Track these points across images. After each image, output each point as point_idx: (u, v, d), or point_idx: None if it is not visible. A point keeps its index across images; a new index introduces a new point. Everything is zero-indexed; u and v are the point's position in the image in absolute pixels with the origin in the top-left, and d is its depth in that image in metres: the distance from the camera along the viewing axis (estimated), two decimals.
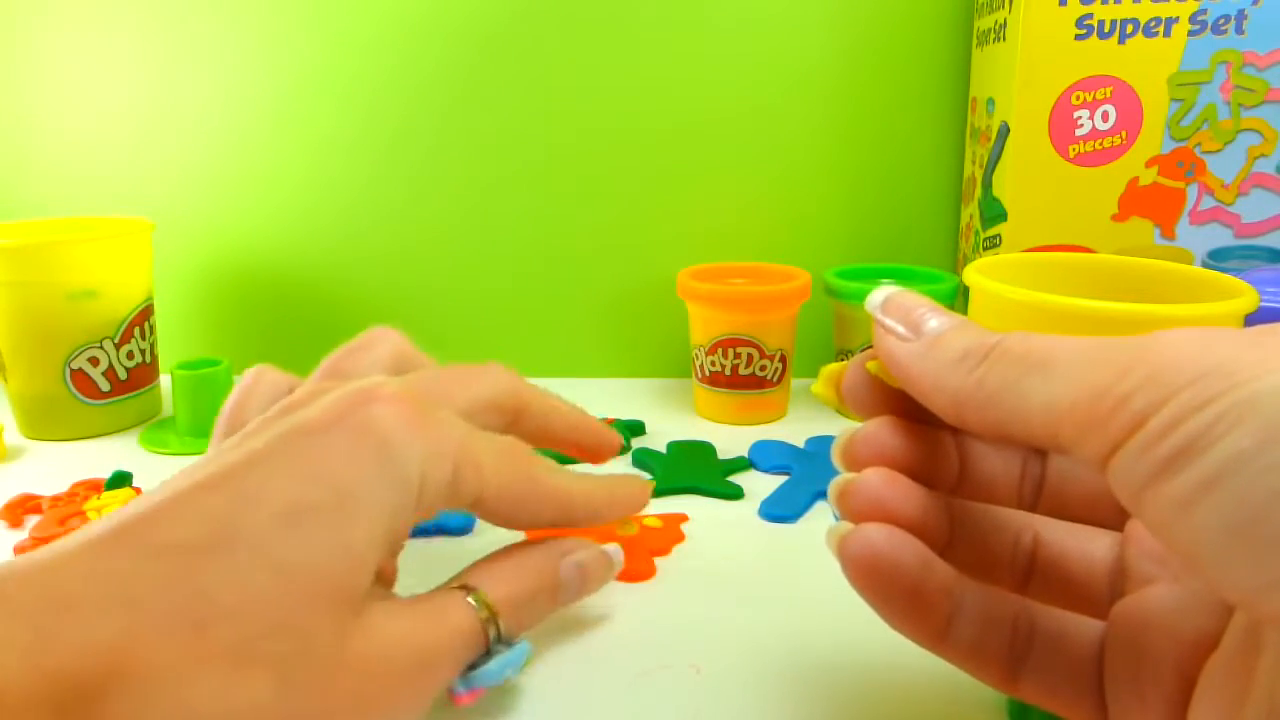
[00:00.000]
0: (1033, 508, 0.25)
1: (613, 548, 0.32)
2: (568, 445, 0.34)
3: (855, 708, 0.29)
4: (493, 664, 0.26)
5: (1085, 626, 0.23)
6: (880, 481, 0.23)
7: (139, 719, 0.18)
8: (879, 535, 0.22)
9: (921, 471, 0.24)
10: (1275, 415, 0.14)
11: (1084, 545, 0.24)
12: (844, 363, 0.26)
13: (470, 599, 0.26)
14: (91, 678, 0.17)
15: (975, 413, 0.20)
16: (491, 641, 0.26)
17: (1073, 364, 0.18)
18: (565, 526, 0.30)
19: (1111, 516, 0.24)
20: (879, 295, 0.25)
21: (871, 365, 0.25)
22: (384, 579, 0.28)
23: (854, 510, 0.23)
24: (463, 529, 0.41)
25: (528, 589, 0.28)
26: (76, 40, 0.60)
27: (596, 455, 0.35)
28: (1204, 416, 0.15)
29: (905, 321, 0.23)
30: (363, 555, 0.22)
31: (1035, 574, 0.24)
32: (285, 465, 0.22)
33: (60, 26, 0.60)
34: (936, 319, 0.23)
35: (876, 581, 0.22)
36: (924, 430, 0.24)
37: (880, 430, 0.24)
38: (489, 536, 0.41)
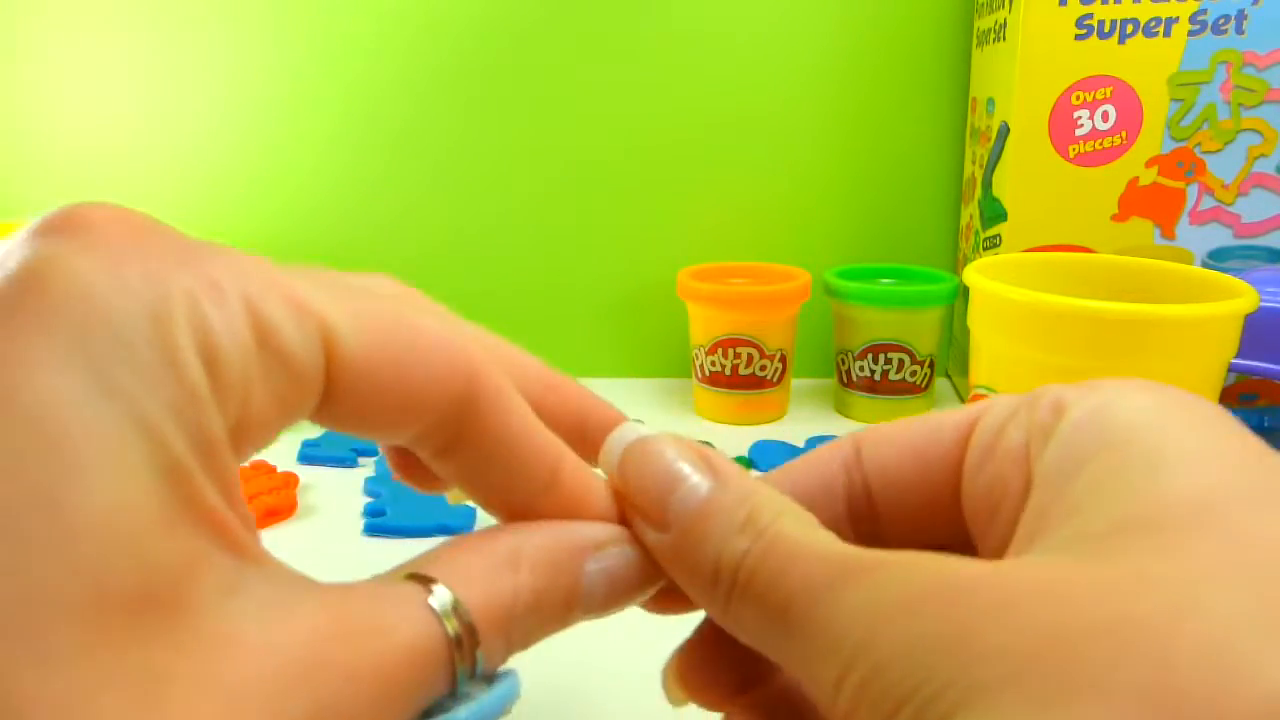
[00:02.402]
0: None
1: None
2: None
3: None
4: (462, 713, 0.16)
5: None
6: None
7: None
8: None
9: None
10: None
11: None
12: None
13: (433, 600, 0.15)
14: None
15: (750, 645, 0.17)
16: (460, 675, 0.16)
17: (802, 630, 0.15)
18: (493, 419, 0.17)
19: None
20: (614, 448, 0.19)
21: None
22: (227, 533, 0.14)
23: None
24: (464, 528, 0.41)
25: (528, 594, 0.17)
26: (76, 41, 0.60)
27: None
28: None
29: (650, 499, 0.18)
30: (108, 531, 0.12)
31: None
32: None
33: (60, 27, 0.60)
34: (684, 491, 0.17)
35: None
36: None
37: None
38: None
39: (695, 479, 0.17)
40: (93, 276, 0.13)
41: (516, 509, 0.18)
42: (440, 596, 0.15)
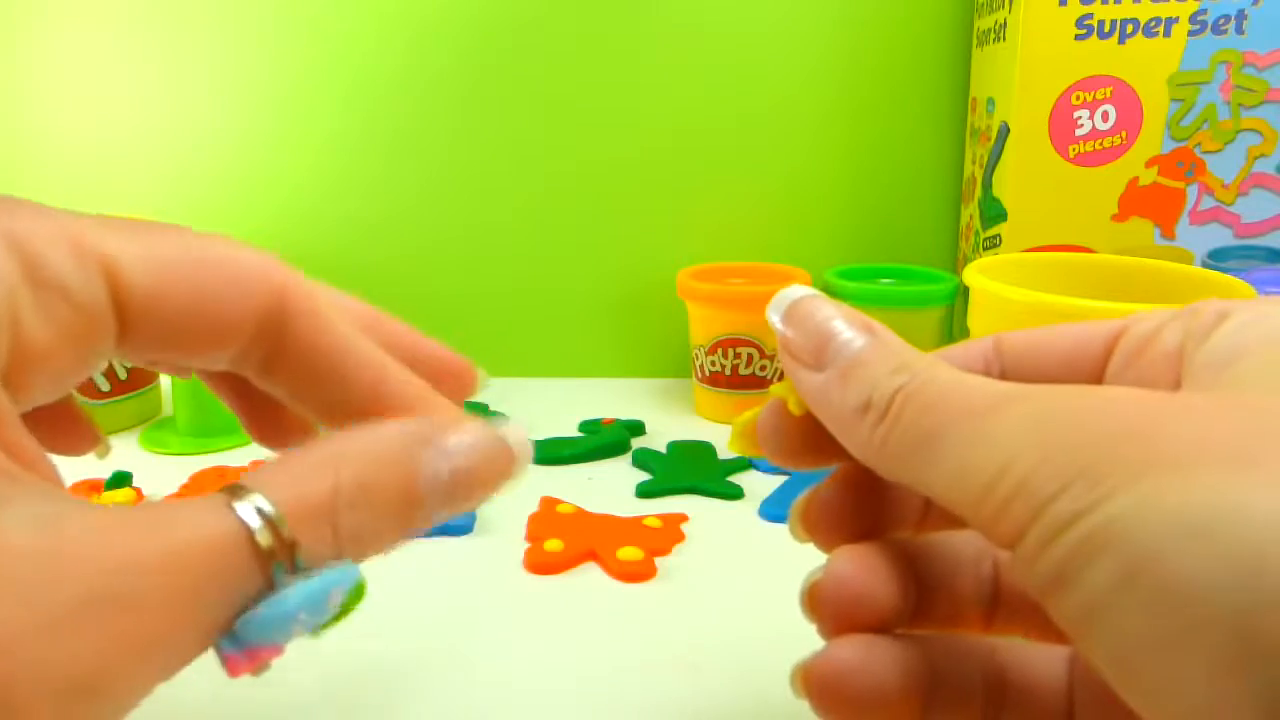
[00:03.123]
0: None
1: (514, 429, 0.20)
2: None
3: None
4: (277, 600, 0.15)
5: (1054, 666, 0.22)
6: (852, 651, 0.21)
7: None
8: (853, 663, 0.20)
9: (885, 595, 0.21)
10: (1131, 547, 0.13)
11: None
12: (755, 410, 0.23)
13: (236, 503, 0.15)
14: None
15: (885, 472, 0.19)
16: (276, 572, 0.15)
17: (959, 444, 0.16)
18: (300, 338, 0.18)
19: None
20: (781, 302, 0.21)
21: (777, 388, 0.22)
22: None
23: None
24: (463, 529, 0.41)
25: (350, 488, 0.16)
26: (77, 40, 0.60)
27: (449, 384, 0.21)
28: (1069, 540, 0.14)
29: (809, 345, 0.20)
30: None
31: (1000, 604, 0.23)
32: None
33: (61, 26, 0.60)
34: (841, 340, 0.19)
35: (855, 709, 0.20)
36: (884, 552, 0.21)
37: (844, 577, 0.21)
38: (493, 536, 0.41)
39: (853, 331, 0.19)
40: None
41: (350, 418, 0.18)
42: (245, 499, 0.15)
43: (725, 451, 0.49)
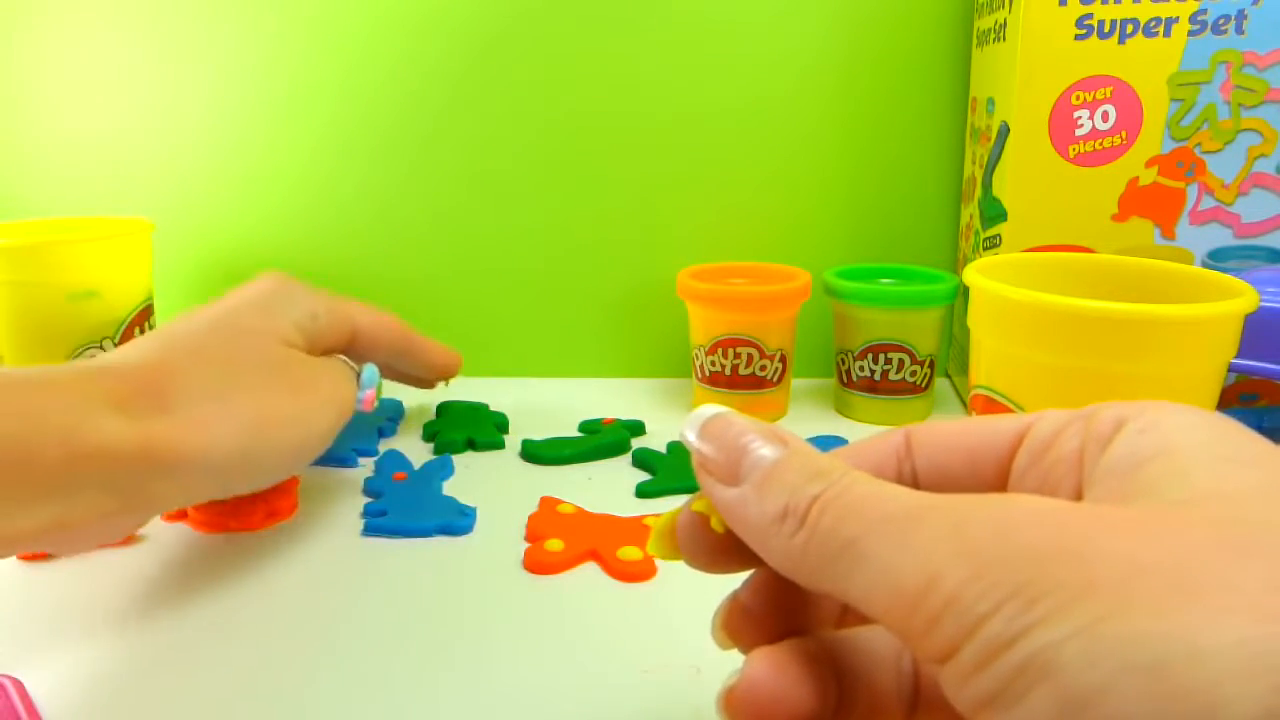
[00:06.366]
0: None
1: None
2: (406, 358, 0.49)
3: None
4: (363, 372, 0.43)
5: None
6: None
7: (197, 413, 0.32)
8: None
9: (805, 694, 0.21)
10: (1074, 678, 0.13)
11: None
12: (673, 512, 0.23)
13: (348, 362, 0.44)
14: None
15: (806, 583, 0.18)
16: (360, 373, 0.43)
17: (880, 552, 0.16)
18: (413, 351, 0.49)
19: None
20: (695, 421, 0.22)
21: (698, 505, 0.22)
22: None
23: None
24: (463, 529, 0.41)
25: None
26: (76, 40, 0.60)
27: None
28: (1007, 664, 0.14)
29: (724, 460, 0.20)
30: (279, 333, 0.39)
31: (922, 699, 0.22)
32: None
33: (61, 26, 0.60)
34: (754, 457, 0.20)
35: None
36: (801, 654, 0.21)
37: (758, 681, 0.21)
38: (490, 534, 0.41)
39: (768, 446, 0.20)
40: (276, 287, 0.42)
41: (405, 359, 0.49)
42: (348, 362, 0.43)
43: None
